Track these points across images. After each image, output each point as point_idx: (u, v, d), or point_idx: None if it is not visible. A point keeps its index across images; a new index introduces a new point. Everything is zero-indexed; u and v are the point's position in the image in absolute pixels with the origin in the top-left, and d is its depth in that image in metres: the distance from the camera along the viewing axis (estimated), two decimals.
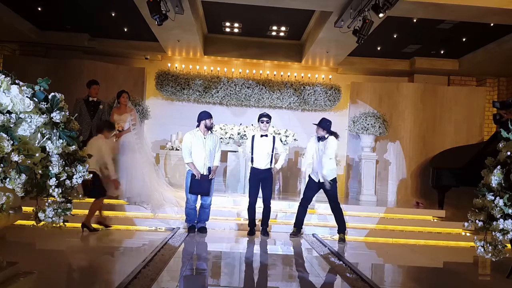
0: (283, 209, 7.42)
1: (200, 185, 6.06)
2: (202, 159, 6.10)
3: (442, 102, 9.97)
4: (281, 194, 9.36)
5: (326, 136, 6.15)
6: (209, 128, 6.18)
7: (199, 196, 6.25)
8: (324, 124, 6.15)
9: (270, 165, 6.32)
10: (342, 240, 6.14)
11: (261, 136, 6.33)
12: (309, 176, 6.34)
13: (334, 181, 6.15)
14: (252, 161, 6.35)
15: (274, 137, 6.40)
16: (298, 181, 9.52)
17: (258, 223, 6.46)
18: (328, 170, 6.08)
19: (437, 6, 6.26)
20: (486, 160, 4.26)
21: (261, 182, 6.30)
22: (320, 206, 7.32)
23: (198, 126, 6.22)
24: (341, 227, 6.20)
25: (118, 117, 7.33)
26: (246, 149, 6.53)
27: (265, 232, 6.31)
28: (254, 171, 6.33)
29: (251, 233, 6.30)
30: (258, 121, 6.37)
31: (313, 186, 6.26)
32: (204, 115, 6.19)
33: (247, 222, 6.46)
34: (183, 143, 6.22)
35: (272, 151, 6.30)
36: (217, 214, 7.02)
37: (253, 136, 6.41)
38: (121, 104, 7.45)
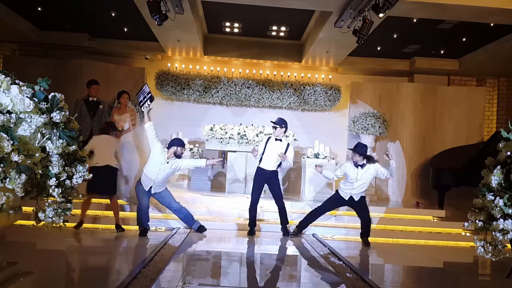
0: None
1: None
2: (154, 176, 5.84)
3: (442, 102, 9.97)
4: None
5: (365, 162, 5.99)
6: (178, 156, 5.95)
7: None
8: (360, 150, 5.96)
9: (277, 168, 6.31)
10: (366, 243, 6.08)
11: (276, 139, 6.28)
12: (337, 191, 6.27)
13: (363, 197, 6.15)
14: (260, 161, 6.32)
15: (288, 144, 6.30)
16: (301, 181, 9.51)
17: (258, 223, 6.46)
18: (362, 193, 6.10)
19: (437, 6, 6.26)
20: (486, 160, 4.25)
21: (268, 183, 6.28)
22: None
23: (168, 148, 5.94)
24: (367, 233, 6.14)
25: (118, 117, 7.34)
26: (259, 148, 6.40)
27: (286, 231, 6.30)
28: (260, 171, 6.29)
29: (251, 233, 6.28)
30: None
31: (338, 202, 6.23)
32: (177, 142, 5.96)
33: (247, 222, 6.45)
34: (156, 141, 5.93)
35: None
36: (217, 214, 7.02)
37: (268, 137, 6.39)
38: (122, 104, 7.46)
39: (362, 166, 5.98)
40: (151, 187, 5.92)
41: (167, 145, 6.04)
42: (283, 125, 6.22)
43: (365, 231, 6.15)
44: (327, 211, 6.38)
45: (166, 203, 6.17)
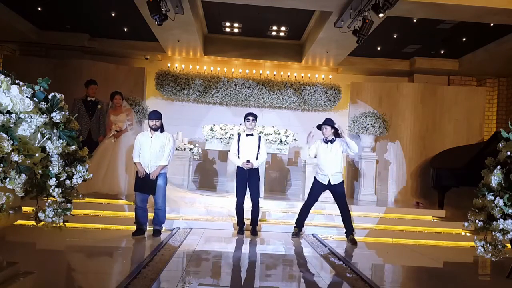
0: (283, 209, 7.43)
1: (143, 184, 5.79)
2: (148, 159, 5.84)
3: (442, 102, 9.97)
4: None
5: (334, 138, 6.13)
6: (154, 129, 5.89)
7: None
8: (330, 122, 6.15)
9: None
10: (353, 241, 6.03)
11: (247, 135, 6.35)
12: (315, 178, 6.31)
13: (342, 183, 6.15)
14: None
15: (259, 137, 6.44)
16: (301, 181, 9.51)
17: (260, 223, 6.46)
18: (338, 173, 6.09)
19: (437, 6, 6.26)
20: (486, 160, 4.26)
21: (248, 181, 6.31)
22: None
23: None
24: (350, 229, 6.13)
25: (115, 118, 7.35)
26: (231, 147, 6.50)
27: (255, 231, 6.33)
28: (241, 171, 6.33)
29: (241, 232, 6.32)
30: (244, 120, 6.42)
31: (319, 188, 6.23)
32: (149, 115, 5.96)
33: (248, 222, 6.45)
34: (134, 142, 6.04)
35: (258, 150, 6.34)
36: (216, 214, 7.02)
37: (239, 136, 6.44)
38: (116, 105, 7.45)
39: (332, 141, 6.10)
40: (148, 168, 5.79)
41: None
42: (257, 119, 6.42)
43: (348, 227, 6.11)
44: (314, 202, 6.34)
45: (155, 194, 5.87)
